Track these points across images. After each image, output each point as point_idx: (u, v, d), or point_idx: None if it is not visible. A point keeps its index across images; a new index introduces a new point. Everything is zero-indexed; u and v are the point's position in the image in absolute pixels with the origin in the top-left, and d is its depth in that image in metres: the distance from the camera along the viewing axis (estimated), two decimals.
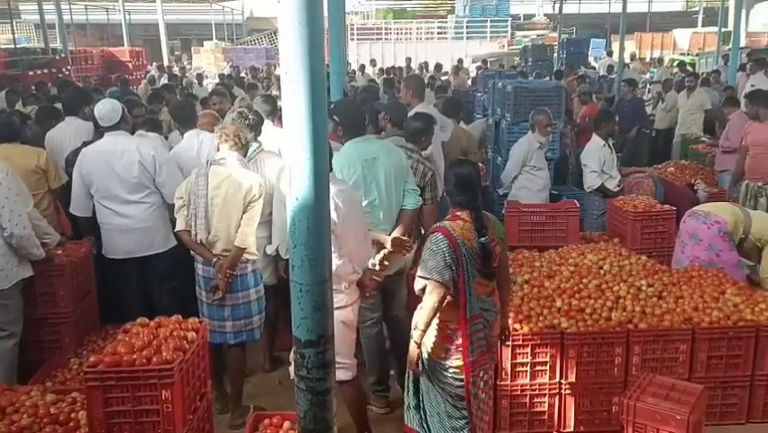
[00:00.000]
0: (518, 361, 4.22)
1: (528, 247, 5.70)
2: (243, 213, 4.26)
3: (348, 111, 4.67)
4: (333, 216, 3.44)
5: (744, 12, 25.13)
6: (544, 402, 4.29)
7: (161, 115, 7.92)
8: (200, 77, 17.50)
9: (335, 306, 3.58)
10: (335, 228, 3.45)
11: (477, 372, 3.39)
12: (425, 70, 19.64)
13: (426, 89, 14.29)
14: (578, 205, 6.16)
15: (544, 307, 4.47)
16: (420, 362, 3.39)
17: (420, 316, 3.33)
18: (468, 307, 3.30)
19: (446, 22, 33.39)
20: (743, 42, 21.92)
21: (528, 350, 4.22)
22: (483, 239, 3.34)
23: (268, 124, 5.46)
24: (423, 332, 3.32)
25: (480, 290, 3.40)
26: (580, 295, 4.59)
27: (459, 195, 3.44)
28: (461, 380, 3.36)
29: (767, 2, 33.19)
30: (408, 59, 22.72)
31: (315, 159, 2.11)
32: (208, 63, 27.29)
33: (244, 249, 4.26)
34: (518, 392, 4.27)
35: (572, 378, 4.26)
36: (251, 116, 4.88)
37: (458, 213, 3.42)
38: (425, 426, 3.53)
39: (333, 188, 3.60)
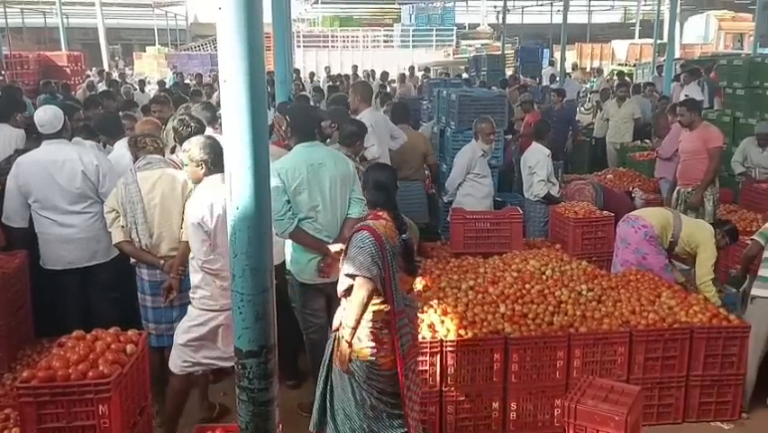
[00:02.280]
0: (463, 365, 4.26)
1: (473, 254, 5.77)
2: (184, 209, 4.31)
3: (301, 114, 4.76)
4: (205, 212, 3.71)
5: (678, 24, 26.10)
6: (489, 406, 4.34)
7: None
8: (142, 83, 17.13)
9: (206, 307, 3.75)
10: (205, 225, 3.74)
11: (409, 365, 3.45)
12: (371, 78, 19.70)
13: (377, 99, 14.41)
14: (521, 212, 6.26)
15: (489, 312, 4.54)
16: (350, 362, 3.39)
17: (348, 313, 3.33)
18: (395, 302, 3.36)
19: (393, 30, 33.61)
20: (677, 54, 22.75)
21: (473, 355, 4.27)
22: (404, 236, 3.47)
23: (207, 132, 5.39)
24: (353, 330, 3.32)
25: (403, 288, 3.50)
26: (524, 300, 4.67)
27: (376, 196, 3.57)
28: (396, 375, 3.37)
29: (700, 15, 34.58)
30: (355, 67, 22.73)
31: (256, 167, 2.09)
32: (151, 69, 26.75)
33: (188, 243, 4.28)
34: (463, 397, 4.30)
35: (516, 381, 4.32)
36: (192, 124, 4.83)
37: (379, 213, 3.52)
38: (334, 426, 3.51)
39: (213, 188, 3.72)
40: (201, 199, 3.83)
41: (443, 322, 4.41)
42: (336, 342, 3.43)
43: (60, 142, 4.90)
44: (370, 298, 3.30)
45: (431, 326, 4.38)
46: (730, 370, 4.46)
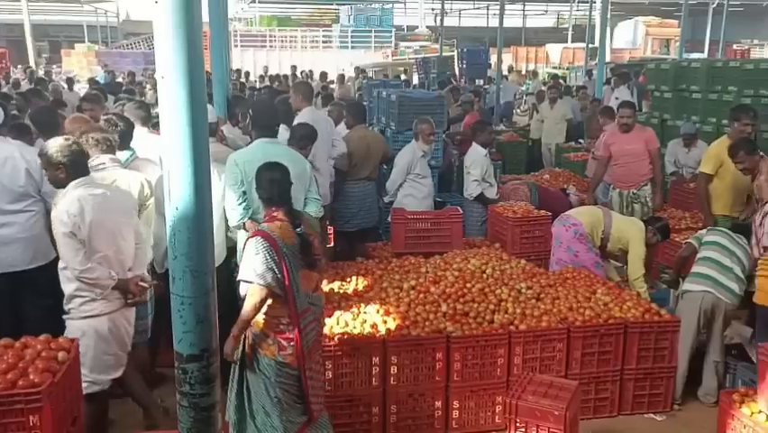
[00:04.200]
0: (406, 365, 4.27)
1: (414, 253, 5.79)
2: (139, 212, 4.23)
3: (264, 110, 4.88)
4: (77, 220, 3.57)
5: (608, 30, 26.93)
6: (431, 405, 4.36)
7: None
8: (70, 81, 16.52)
9: (87, 314, 3.63)
10: (78, 233, 3.59)
11: (314, 359, 3.54)
12: (309, 79, 19.60)
13: (318, 97, 14.32)
14: (461, 212, 6.33)
15: (430, 312, 4.57)
16: (255, 361, 3.45)
17: (241, 314, 3.39)
18: (297, 303, 3.41)
19: (331, 31, 33.51)
20: (608, 58, 23.48)
21: (416, 354, 4.28)
22: (299, 229, 3.51)
23: (143, 131, 5.25)
24: (241, 329, 3.39)
25: (307, 286, 3.54)
26: (465, 299, 4.73)
27: (270, 193, 3.59)
28: (298, 372, 3.45)
29: (629, 21, 35.82)
30: (294, 67, 22.60)
31: (196, 167, 2.04)
32: (80, 67, 25.86)
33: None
34: (405, 396, 4.31)
35: (458, 380, 4.36)
36: (120, 124, 4.69)
37: (274, 213, 3.55)
38: (254, 424, 3.52)
39: (82, 192, 3.63)
40: (69, 206, 3.62)
41: (385, 322, 4.42)
42: (244, 339, 3.49)
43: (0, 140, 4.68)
44: (261, 303, 3.36)
45: (373, 326, 4.37)
46: (662, 363, 4.62)
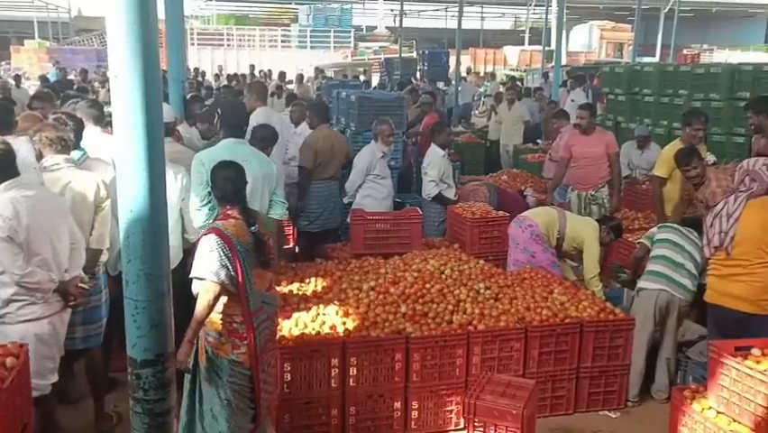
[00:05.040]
0: (365, 366, 4.26)
1: (374, 254, 5.79)
2: (95, 214, 4.16)
3: (233, 110, 4.91)
4: (12, 223, 3.44)
5: (564, 33, 27.39)
6: (391, 406, 4.36)
7: None
8: (18, 78, 16.03)
9: (26, 318, 3.53)
10: (16, 237, 3.46)
11: (266, 359, 3.54)
12: (268, 78, 19.44)
13: (274, 97, 14.22)
14: (420, 212, 6.35)
15: (390, 312, 4.57)
16: (207, 361, 3.42)
17: (194, 314, 3.36)
18: (250, 301, 3.41)
19: (290, 30, 33.30)
20: (564, 61, 23.90)
21: (375, 355, 4.28)
22: (253, 228, 3.52)
23: (95, 131, 5.13)
24: (195, 331, 3.35)
25: (260, 285, 3.54)
26: (424, 300, 4.74)
27: (224, 191, 3.58)
28: (250, 372, 3.44)
29: (584, 25, 36.49)
30: (252, 67, 22.39)
31: (151, 168, 1.99)
32: (30, 64, 25.14)
33: (101, 250, 4.18)
34: (365, 398, 4.30)
35: (417, 380, 4.36)
36: (70, 123, 4.58)
37: (229, 212, 3.54)
38: (202, 426, 3.50)
39: (14, 194, 3.53)
40: (3, 209, 3.49)
41: (344, 323, 4.40)
42: (197, 339, 3.46)
43: None
44: (215, 301, 3.34)
45: (332, 327, 4.35)
46: (616, 361, 4.70)
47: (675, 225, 5.05)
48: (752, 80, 7.73)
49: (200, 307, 3.32)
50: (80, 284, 3.80)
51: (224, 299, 3.38)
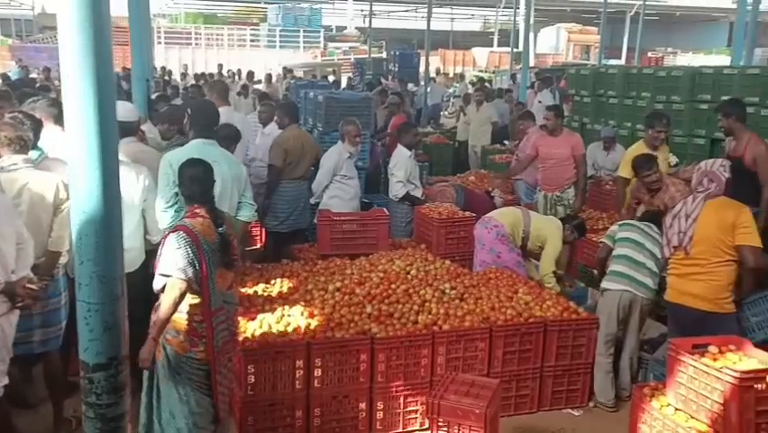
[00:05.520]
0: (330, 367, 4.25)
1: (340, 255, 5.77)
2: (54, 215, 4.07)
3: (203, 110, 4.86)
4: None
5: (532, 35, 27.65)
6: (356, 407, 4.35)
7: None
8: None
9: None
10: None
11: (222, 360, 3.54)
12: (236, 78, 19.29)
13: (240, 97, 14.13)
14: (387, 213, 6.34)
15: (355, 313, 4.56)
16: (165, 358, 3.42)
17: (160, 311, 3.35)
18: (212, 300, 3.43)
19: (259, 29, 33.07)
20: (532, 63, 24.11)
21: (340, 356, 4.26)
22: (221, 229, 3.52)
23: (56, 130, 5.03)
24: (160, 328, 3.35)
25: (222, 284, 3.55)
26: (390, 300, 4.74)
27: (191, 190, 3.58)
28: (208, 369, 3.45)
29: (551, 27, 36.89)
30: (220, 66, 22.19)
31: (104, 168, 1.96)
32: None
33: (60, 252, 4.10)
34: (329, 399, 4.29)
35: (382, 381, 4.36)
36: (27, 122, 4.48)
37: (197, 210, 3.54)
38: (159, 423, 3.50)
39: None
40: None
41: (309, 324, 4.38)
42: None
43: None
44: (181, 298, 3.34)
45: (297, 328, 4.33)
46: (579, 360, 4.76)
47: (635, 223, 5.07)
48: (712, 83, 7.88)
49: (166, 304, 3.31)
50: (28, 285, 3.70)
51: (189, 297, 3.37)
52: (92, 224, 1.97)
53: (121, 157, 4.57)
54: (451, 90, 21.71)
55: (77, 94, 1.92)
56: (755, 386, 3.18)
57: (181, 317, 3.40)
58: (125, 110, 5.20)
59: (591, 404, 4.83)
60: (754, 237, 4.18)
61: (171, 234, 3.41)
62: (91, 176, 1.95)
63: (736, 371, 3.19)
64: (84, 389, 2.09)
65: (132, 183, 4.48)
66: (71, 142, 1.96)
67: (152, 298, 3.46)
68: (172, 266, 3.32)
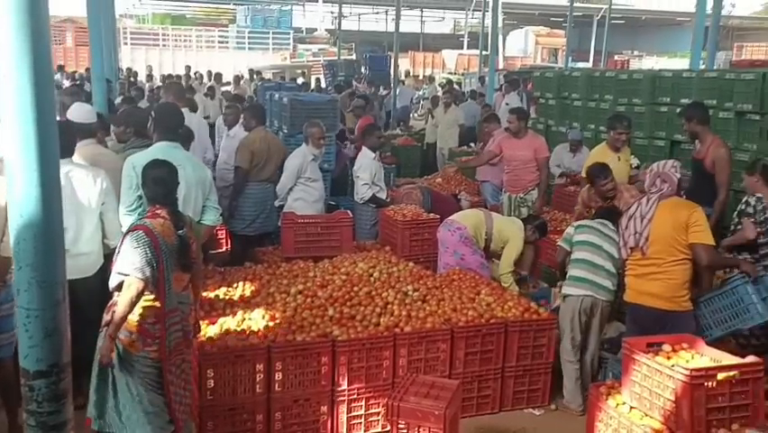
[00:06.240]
0: (291, 370, 4.22)
1: (304, 258, 5.75)
2: (6, 220, 3.90)
3: (167, 112, 4.86)
4: None
5: (501, 38, 27.89)
6: (317, 411, 4.33)
7: None
8: None
9: None
10: None
11: (175, 360, 3.56)
12: (204, 80, 19.12)
13: (206, 98, 13.99)
14: (351, 215, 6.33)
15: (317, 316, 4.55)
16: (118, 358, 3.42)
17: (116, 310, 3.35)
18: (167, 301, 3.46)
19: (227, 31, 32.83)
20: (501, 65, 24.32)
21: (301, 360, 4.24)
22: (181, 232, 3.54)
23: None
24: (117, 326, 3.35)
25: (177, 286, 3.58)
26: (352, 303, 4.73)
27: (154, 191, 3.61)
28: (160, 369, 3.47)
29: (520, 30, 37.23)
30: (188, 68, 21.96)
31: (43, 170, 1.91)
32: None
33: (11, 258, 3.91)
34: (291, 403, 4.26)
35: (344, 384, 4.35)
36: None
37: (158, 211, 3.56)
38: (119, 419, 3.49)
39: None
40: None
41: (270, 328, 4.35)
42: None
43: None
44: (138, 297, 3.35)
45: (257, 332, 4.30)
46: (540, 360, 4.80)
47: (591, 224, 5.05)
48: (671, 86, 8.00)
49: (123, 303, 3.31)
50: None
51: (144, 296, 3.37)
52: (30, 228, 1.93)
53: (78, 160, 4.61)
54: (420, 92, 21.79)
55: (15, 95, 1.88)
56: (706, 384, 3.24)
57: (134, 319, 3.40)
58: (83, 112, 5.12)
59: (553, 407, 4.86)
60: (706, 235, 4.25)
61: (130, 233, 3.41)
62: (28, 179, 1.90)
63: (686, 369, 3.24)
64: (24, 396, 2.05)
65: (88, 186, 4.41)
66: (8, 143, 1.91)
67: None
68: (129, 265, 3.32)
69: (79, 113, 5.07)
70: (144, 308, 3.41)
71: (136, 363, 3.43)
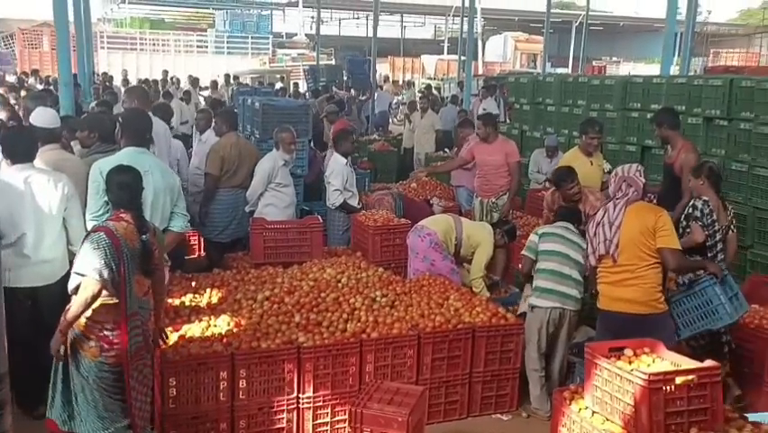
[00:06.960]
0: (255, 378, 4.18)
1: (273, 264, 5.71)
2: None
3: (135, 118, 4.85)
4: None
5: (480, 43, 28.04)
6: (283, 418, 4.29)
7: None
8: None
9: None
10: None
11: (136, 365, 3.54)
12: (181, 84, 19.01)
13: (182, 103, 13.89)
14: (321, 220, 6.30)
15: (283, 322, 4.51)
16: (74, 363, 3.44)
17: (71, 310, 3.36)
18: (128, 305, 3.46)
19: (206, 35, 32.68)
20: (481, 71, 24.44)
21: (266, 367, 4.20)
22: (144, 237, 3.54)
23: None
24: (69, 323, 3.36)
25: (138, 290, 3.57)
26: (319, 309, 4.71)
27: (119, 196, 3.61)
28: (120, 374, 3.47)
29: (499, 36, 37.44)
30: (165, 72, 21.81)
31: None
32: None
33: None
34: (255, 410, 4.22)
35: (310, 391, 4.31)
36: None
37: (122, 214, 3.56)
38: (79, 420, 3.51)
39: None
40: None
41: (234, 334, 4.31)
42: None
43: None
44: (94, 299, 3.34)
45: (221, 339, 4.25)
46: (507, 365, 4.79)
47: (556, 231, 4.99)
48: (642, 92, 8.08)
49: (78, 302, 3.32)
50: None
51: (104, 299, 3.37)
52: None
53: (39, 164, 4.55)
54: (399, 97, 21.83)
55: None
56: (664, 388, 3.24)
57: (92, 324, 3.41)
58: (46, 116, 5.05)
59: (525, 415, 4.84)
60: (672, 240, 4.26)
61: (91, 234, 3.43)
62: None
63: (645, 373, 3.24)
64: None
65: (50, 191, 4.35)
66: None
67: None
68: (88, 266, 3.33)
69: (43, 117, 5.00)
70: (103, 312, 3.40)
71: (93, 369, 3.42)
